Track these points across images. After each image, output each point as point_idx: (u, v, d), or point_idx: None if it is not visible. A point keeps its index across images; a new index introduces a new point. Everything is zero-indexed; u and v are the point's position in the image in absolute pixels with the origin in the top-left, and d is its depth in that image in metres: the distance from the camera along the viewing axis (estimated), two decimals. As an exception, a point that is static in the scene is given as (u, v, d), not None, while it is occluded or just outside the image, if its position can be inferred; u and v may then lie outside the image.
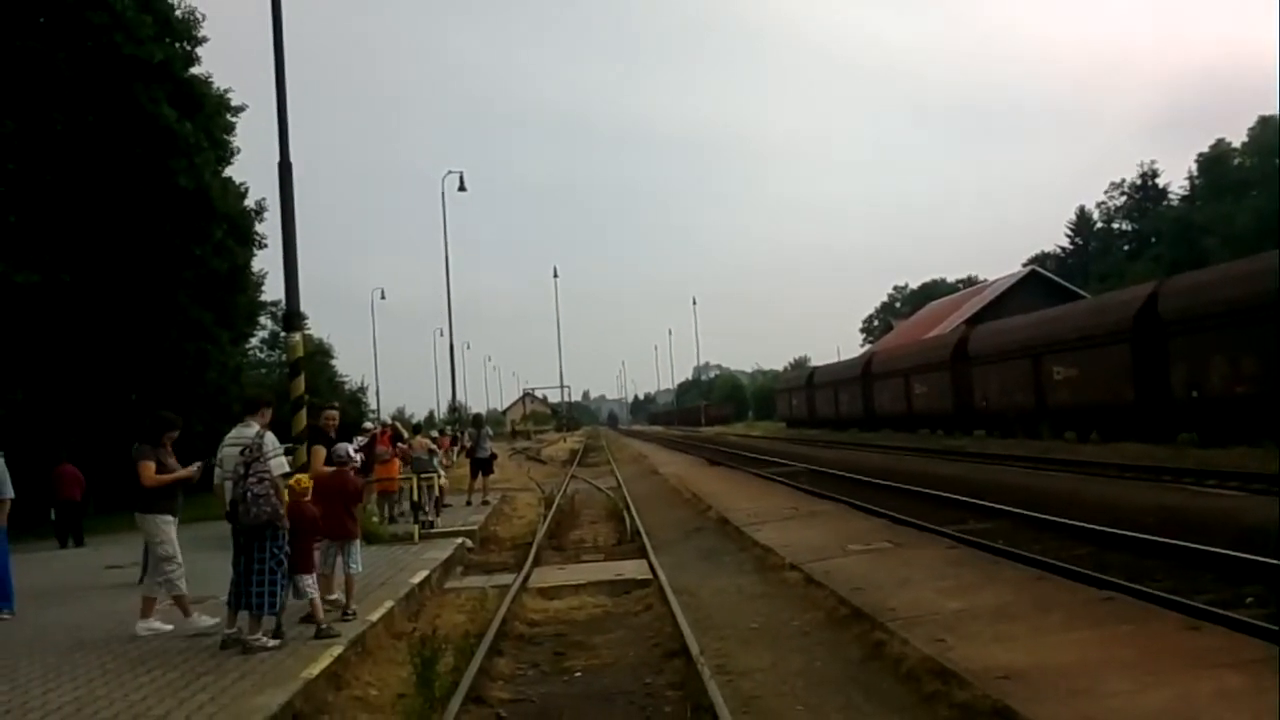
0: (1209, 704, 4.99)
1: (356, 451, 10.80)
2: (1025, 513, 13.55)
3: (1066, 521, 12.42)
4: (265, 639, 7.94)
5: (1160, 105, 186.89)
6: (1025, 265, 77.87)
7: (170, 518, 8.92)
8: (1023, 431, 30.98)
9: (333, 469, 9.59)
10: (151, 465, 8.79)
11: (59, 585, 12.88)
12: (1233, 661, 5.69)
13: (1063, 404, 29.17)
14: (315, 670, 7.05)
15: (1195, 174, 78.04)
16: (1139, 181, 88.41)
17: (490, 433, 25.27)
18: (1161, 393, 23.97)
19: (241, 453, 8.01)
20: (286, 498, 8.20)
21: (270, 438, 8.26)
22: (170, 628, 8.53)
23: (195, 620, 8.71)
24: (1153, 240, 79.31)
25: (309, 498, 8.63)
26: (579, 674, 7.85)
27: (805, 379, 65.20)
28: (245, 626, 7.98)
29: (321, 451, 10.22)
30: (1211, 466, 17.59)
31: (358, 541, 9.39)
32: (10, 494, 10.90)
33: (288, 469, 8.43)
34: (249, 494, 7.79)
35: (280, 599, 8.13)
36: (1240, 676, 5.39)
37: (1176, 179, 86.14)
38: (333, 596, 9.18)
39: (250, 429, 8.35)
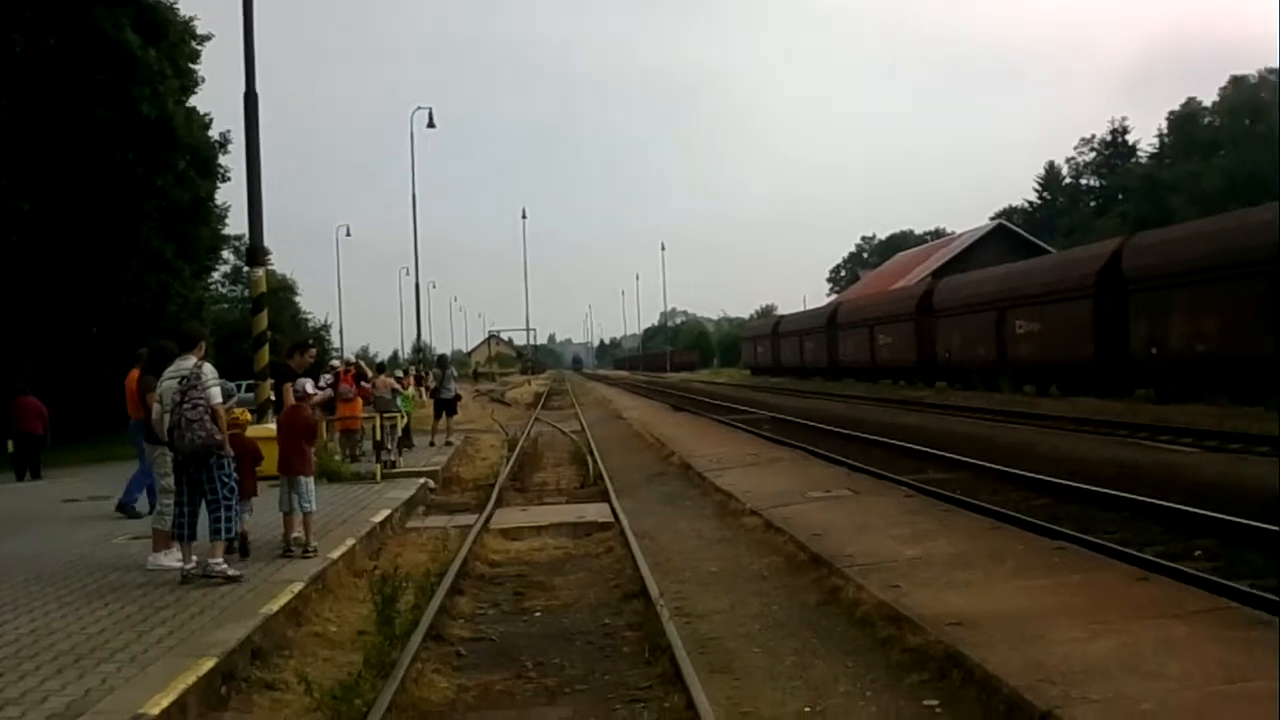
0: (1153, 652, 5.11)
1: (324, 388, 10.81)
2: (983, 464, 13.75)
3: (1023, 473, 12.62)
4: (225, 566, 7.98)
5: (1132, 61, 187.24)
6: (992, 219, 78.28)
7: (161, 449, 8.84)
8: (983, 384, 31.31)
9: (289, 405, 9.58)
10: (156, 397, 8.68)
11: (15, 517, 12.77)
12: (1179, 612, 5.82)
13: (1024, 358, 29.47)
14: (275, 606, 7.06)
15: (1165, 132, 78.57)
16: (1109, 138, 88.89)
17: (455, 374, 25.21)
18: (1121, 349, 24.26)
19: (179, 382, 7.98)
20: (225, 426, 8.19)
21: (209, 368, 8.19)
22: (177, 564, 8.45)
23: (163, 558, 8.63)
24: (1120, 197, 79.92)
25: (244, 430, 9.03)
26: (539, 614, 7.91)
27: (771, 327, 65.45)
28: (203, 555, 8.00)
29: (290, 389, 10.17)
30: (1167, 423, 17.90)
31: (309, 479, 9.31)
32: None
33: (223, 400, 8.37)
34: (183, 420, 7.84)
35: (236, 524, 8.29)
36: (1185, 626, 5.52)
37: (1146, 136, 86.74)
38: (295, 534, 9.17)
39: (188, 362, 8.21)
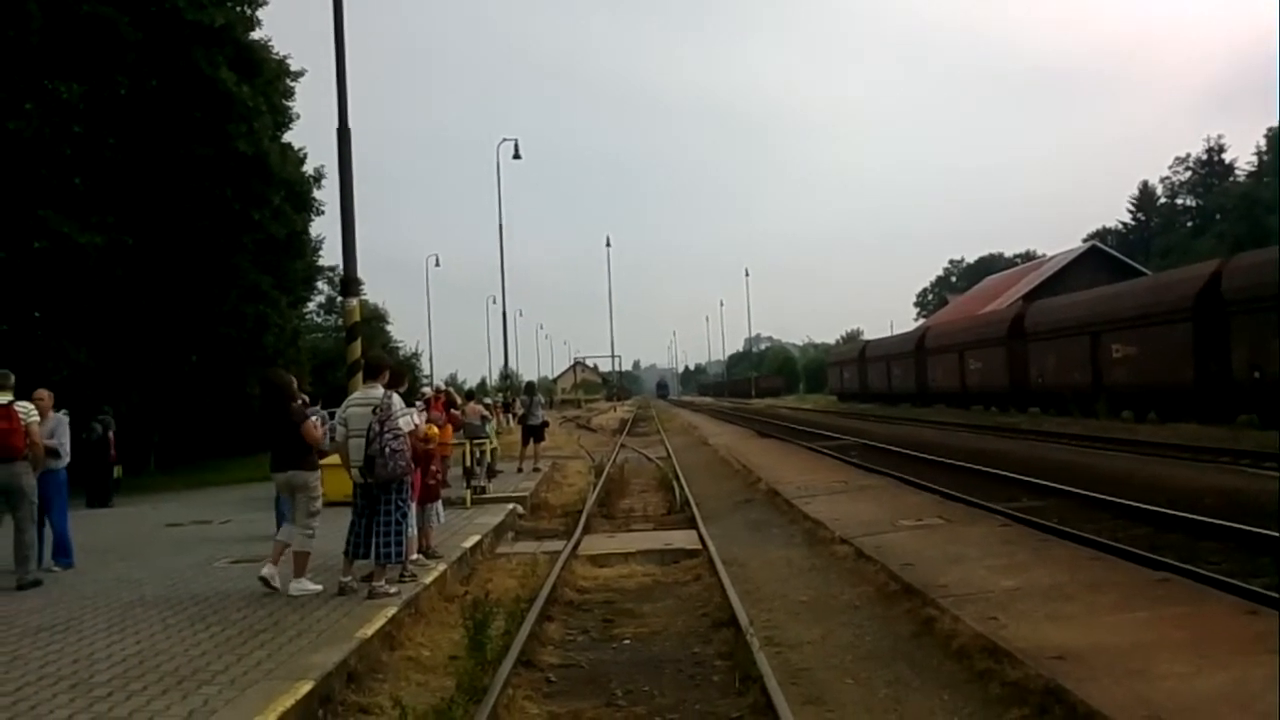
0: (1265, 689, 4.91)
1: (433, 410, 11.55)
2: (1080, 492, 13.40)
3: (1122, 501, 12.28)
4: (388, 586, 8.39)
5: (1226, 77, 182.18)
6: (1085, 240, 76.53)
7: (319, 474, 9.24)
8: (1078, 410, 30.55)
9: None
10: (317, 422, 9.20)
11: (120, 542, 13.19)
12: (1292, 647, 5.60)
13: (1120, 383, 28.73)
14: (370, 630, 7.17)
15: (1264, 149, 76.18)
16: (1205, 156, 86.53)
17: (542, 400, 25.35)
18: (1222, 373, 23.52)
19: (373, 411, 8.40)
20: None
21: (397, 398, 8.68)
22: (319, 588, 8.71)
23: (306, 582, 8.75)
24: (1217, 217, 77.59)
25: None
26: (628, 641, 7.91)
27: (858, 352, 64.81)
28: (374, 574, 8.45)
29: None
30: (1271, 449, 17.25)
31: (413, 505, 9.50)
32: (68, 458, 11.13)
33: (414, 426, 8.94)
34: (387, 449, 8.30)
35: (405, 548, 8.75)
36: (1299, 662, 5.31)
37: (1244, 154, 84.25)
38: (413, 557, 9.40)
39: (376, 390, 8.70)
